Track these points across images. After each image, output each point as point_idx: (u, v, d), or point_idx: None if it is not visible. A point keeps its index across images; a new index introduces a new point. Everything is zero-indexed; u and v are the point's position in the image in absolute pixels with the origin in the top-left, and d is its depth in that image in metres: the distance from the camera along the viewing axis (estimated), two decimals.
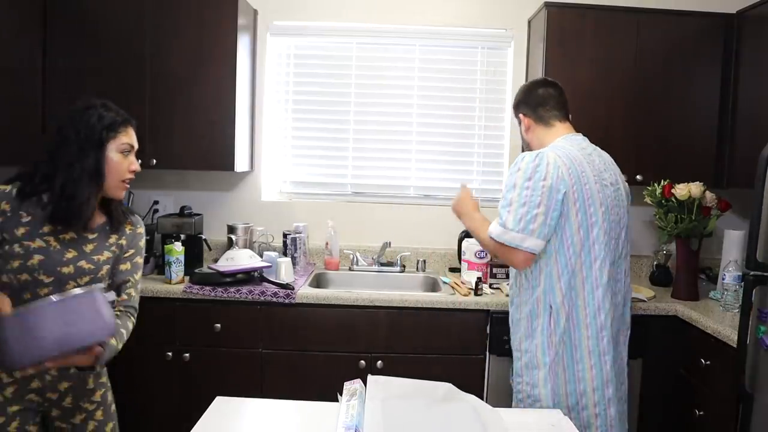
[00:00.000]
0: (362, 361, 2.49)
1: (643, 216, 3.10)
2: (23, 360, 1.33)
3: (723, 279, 2.51)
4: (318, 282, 2.88)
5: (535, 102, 2.05)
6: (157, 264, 2.74)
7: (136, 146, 1.67)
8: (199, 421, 1.47)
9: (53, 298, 1.37)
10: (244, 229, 2.94)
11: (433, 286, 2.89)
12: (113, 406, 1.77)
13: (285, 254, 2.90)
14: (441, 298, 2.53)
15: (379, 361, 2.50)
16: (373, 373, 1.66)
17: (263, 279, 2.60)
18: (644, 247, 3.15)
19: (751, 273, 1.78)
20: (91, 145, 1.56)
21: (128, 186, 1.66)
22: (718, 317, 2.31)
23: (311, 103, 3.19)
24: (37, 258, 1.52)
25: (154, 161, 2.77)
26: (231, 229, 2.92)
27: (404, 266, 3.05)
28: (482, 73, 3.17)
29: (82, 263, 1.59)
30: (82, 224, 1.57)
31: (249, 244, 2.93)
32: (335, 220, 3.03)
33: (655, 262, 2.98)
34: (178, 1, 2.72)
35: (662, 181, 2.66)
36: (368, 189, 3.22)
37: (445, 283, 2.79)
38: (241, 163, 2.90)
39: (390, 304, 2.51)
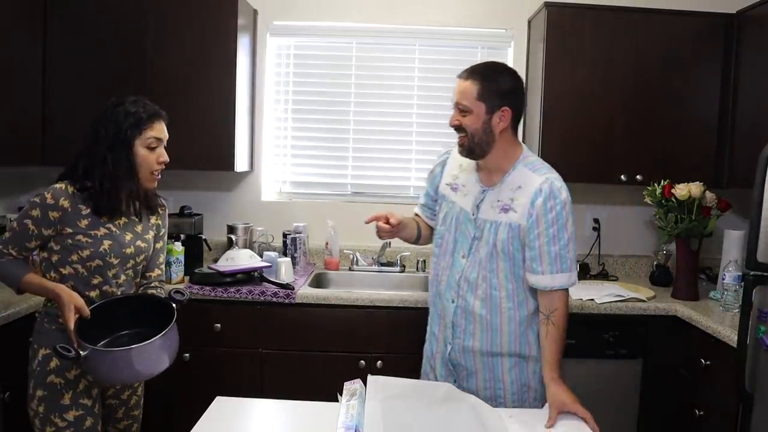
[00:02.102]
0: (362, 361, 2.49)
1: (643, 216, 3.10)
2: (109, 382, 1.61)
3: (723, 279, 2.50)
4: (318, 282, 2.88)
5: (522, 104, 1.82)
6: None
7: (165, 137, 1.78)
8: (199, 421, 1.47)
9: (134, 347, 1.54)
10: (244, 229, 2.94)
11: None
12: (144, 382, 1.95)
13: (285, 254, 2.90)
14: None
15: (379, 361, 2.50)
16: (373, 373, 1.66)
17: (263, 279, 2.60)
18: (644, 247, 3.15)
19: (751, 273, 1.78)
20: (120, 143, 1.69)
21: (158, 177, 1.79)
22: (718, 317, 2.31)
23: (311, 103, 3.19)
24: (107, 243, 1.70)
25: None
26: (231, 229, 2.92)
27: (404, 266, 3.05)
28: None
29: (139, 243, 1.79)
30: (122, 214, 1.74)
31: (249, 244, 2.93)
32: (335, 220, 3.02)
33: (655, 262, 2.98)
34: (178, 1, 2.72)
35: (662, 181, 2.66)
36: (368, 189, 3.22)
37: None
38: (241, 163, 2.89)
39: (390, 304, 2.51)
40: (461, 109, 1.74)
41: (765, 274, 1.76)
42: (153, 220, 1.88)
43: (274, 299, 2.49)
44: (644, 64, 2.75)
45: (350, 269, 3.03)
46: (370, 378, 1.57)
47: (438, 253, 1.91)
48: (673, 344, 2.50)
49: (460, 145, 1.79)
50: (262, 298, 2.49)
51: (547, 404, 1.65)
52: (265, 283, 2.58)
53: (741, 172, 2.62)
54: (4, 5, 2.42)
